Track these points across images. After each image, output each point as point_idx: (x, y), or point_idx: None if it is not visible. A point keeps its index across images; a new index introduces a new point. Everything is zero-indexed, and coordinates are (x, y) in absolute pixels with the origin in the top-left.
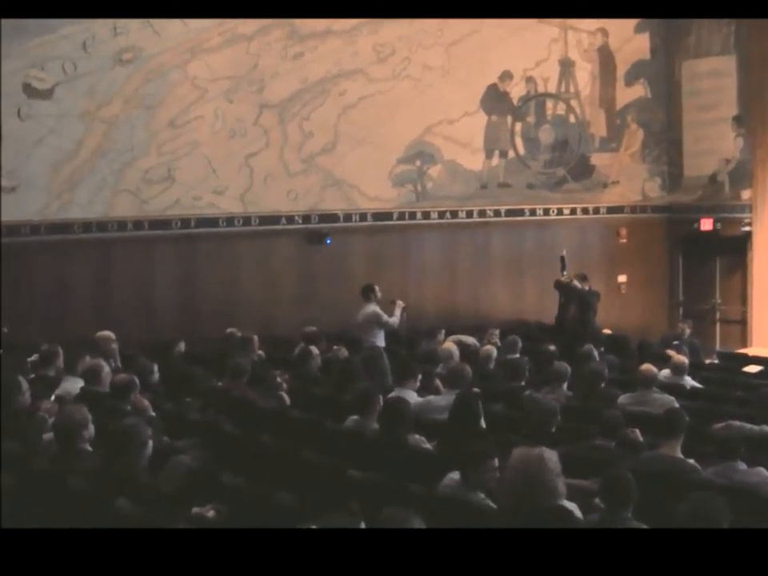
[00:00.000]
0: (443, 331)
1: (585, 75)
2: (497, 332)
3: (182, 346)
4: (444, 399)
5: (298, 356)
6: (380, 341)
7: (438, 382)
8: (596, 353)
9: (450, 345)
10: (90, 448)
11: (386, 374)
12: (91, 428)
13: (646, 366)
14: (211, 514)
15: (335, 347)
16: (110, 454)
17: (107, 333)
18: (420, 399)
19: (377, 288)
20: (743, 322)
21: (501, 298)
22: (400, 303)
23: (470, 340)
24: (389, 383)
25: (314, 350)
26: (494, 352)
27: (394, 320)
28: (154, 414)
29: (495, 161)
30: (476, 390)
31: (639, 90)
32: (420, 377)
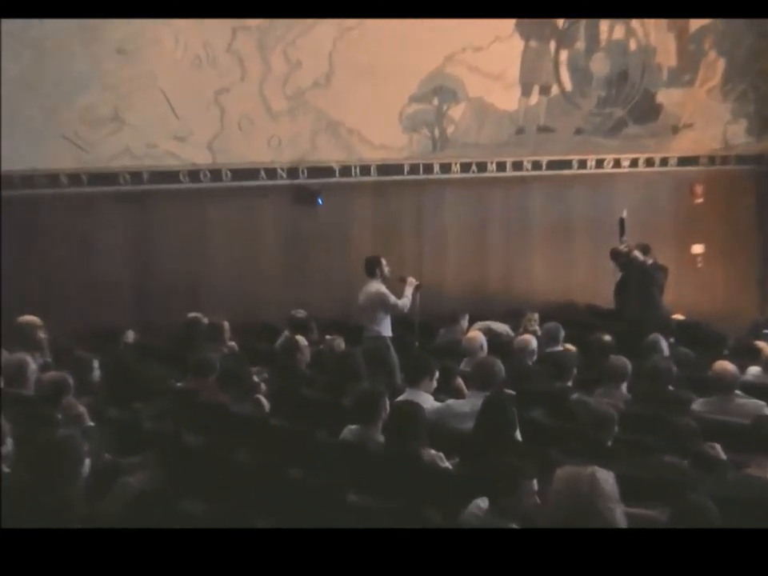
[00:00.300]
0: (467, 317)
1: None
2: (536, 317)
3: (130, 336)
4: (468, 404)
5: (281, 348)
6: (386, 329)
7: (460, 381)
8: (664, 344)
9: (476, 334)
10: (7, 468)
11: (393, 371)
12: (9, 442)
13: (721, 364)
14: None
15: (329, 337)
16: (36, 475)
17: (32, 318)
18: (437, 404)
19: (383, 262)
20: None
21: (542, 273)
22: (412, 281)
23: (501, 328)
24: (397, 383)
25: (302, 340)
26: (534, 343)
27: (405, 302)
28: (92, 423)
29: (534, 98)
30: (510, 392)
31: None
32: (437, 375)
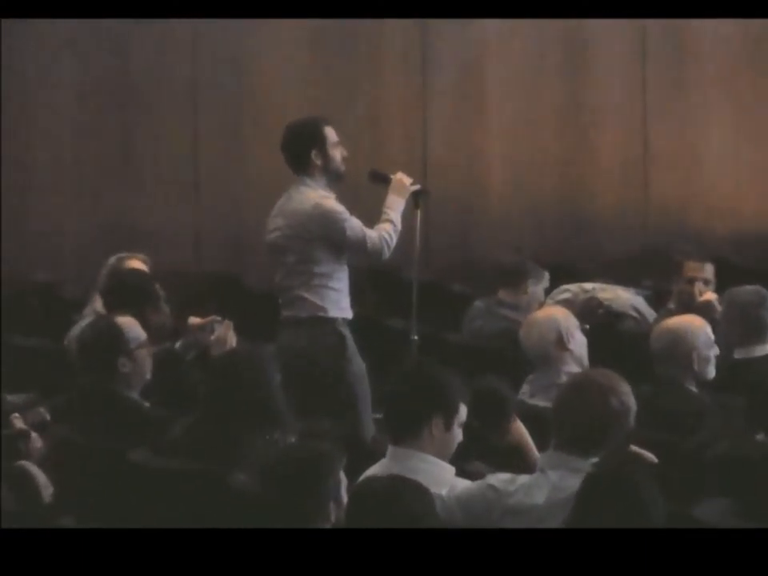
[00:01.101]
0: (546, 274)
1: None
2: (708, 271)
3: None
4: (542, 486)
5: (83, 347)
6: (337, 301)
7: (521, 429)
8: None
9: (552, 313)
10: None
11: (355, 401)
12: None
13: None
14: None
15: (196, 321)
16: None
17: None
18: (466, 485)
19: (329, 134)
20: None
21: (723, 156)
22: (402, 180)
23: (623, 299)
24: (366, 431)
25: (132, 327)
26: (704, 335)
27: (383, 234)
28: None
29: None
30: (645, 456)
31: None
32: (463, 413)
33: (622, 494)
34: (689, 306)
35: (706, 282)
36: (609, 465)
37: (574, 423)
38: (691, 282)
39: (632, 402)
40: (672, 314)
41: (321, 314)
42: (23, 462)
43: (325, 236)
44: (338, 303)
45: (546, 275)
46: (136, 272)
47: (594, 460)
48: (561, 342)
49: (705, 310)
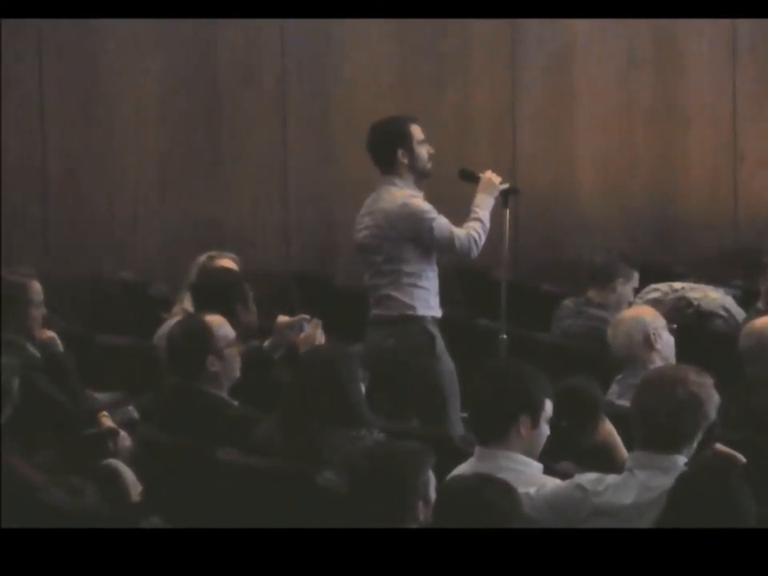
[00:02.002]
0: (635, 274)
1: None
2: None
3: None
4: (631, 487)
5: (174, 345)
6: (426, 300)
7: (610, 429)
8: None
9: (644, 313)
10: None
11: (444, 399)
12: None
13: None
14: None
15: (284, 320)
16: None
17: None
18: (555, 483)
19: (415, 132)
20: None
21: None
22: (491, 179)
23: (711, 299)
24: (454, 431)
25: (220, 325)
26: None
27: (472, 234)
28: None
29: None
30: (733, 456)
31: None
32: (549, 409)
33: (715, 494)
34: None
35: None
36: (701, 465)
37: (647, 418)
38: None
39: (705, 392)
40: (761, 313)
41: (410, 312)
42: (112, 460)
43: (413, 235)
44: (427, 302)
45: (636, 275)
46: (226, 271)
47: (684, 459)
48: (648, 342)
49: None
